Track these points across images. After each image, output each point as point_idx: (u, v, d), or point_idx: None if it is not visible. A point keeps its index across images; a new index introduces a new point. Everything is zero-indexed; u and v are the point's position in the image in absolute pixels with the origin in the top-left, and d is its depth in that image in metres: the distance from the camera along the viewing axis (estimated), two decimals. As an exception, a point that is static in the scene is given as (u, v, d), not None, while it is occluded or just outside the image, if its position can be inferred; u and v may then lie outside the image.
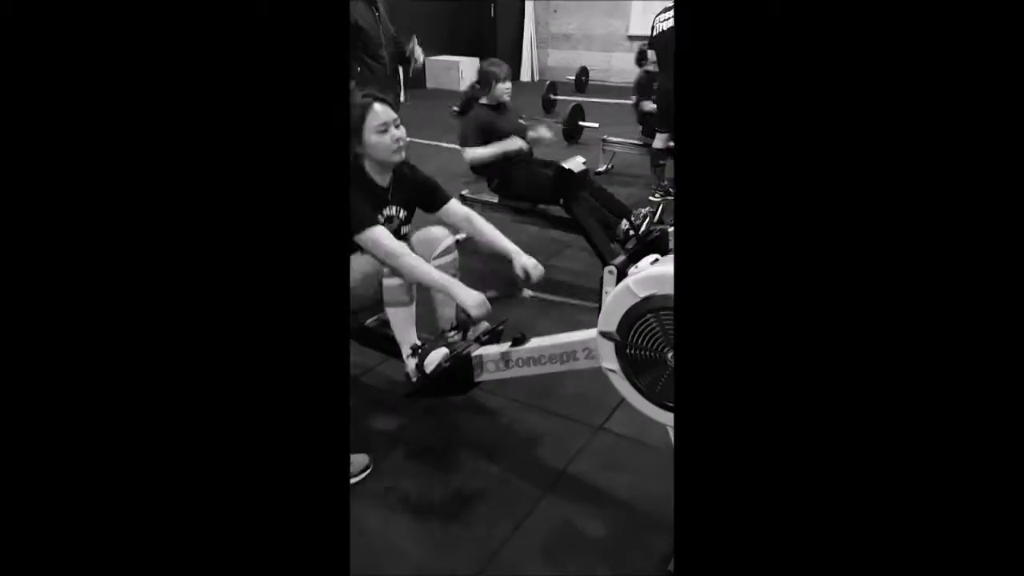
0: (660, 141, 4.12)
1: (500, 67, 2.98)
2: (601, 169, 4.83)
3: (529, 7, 9.68)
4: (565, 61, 9.33)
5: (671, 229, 2.78)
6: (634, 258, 1.62)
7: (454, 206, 1.92)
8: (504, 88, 2.99)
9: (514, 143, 2.96)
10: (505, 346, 1.68)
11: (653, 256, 1.40)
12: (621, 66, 8.76)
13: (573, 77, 8.23)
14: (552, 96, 6.79)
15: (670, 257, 1.37)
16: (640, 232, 2.55)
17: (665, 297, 1.26)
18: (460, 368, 1.68)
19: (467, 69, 8.72)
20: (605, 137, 4.92)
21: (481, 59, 8.97)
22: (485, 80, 3.01)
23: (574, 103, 5.70)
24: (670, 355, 1.29)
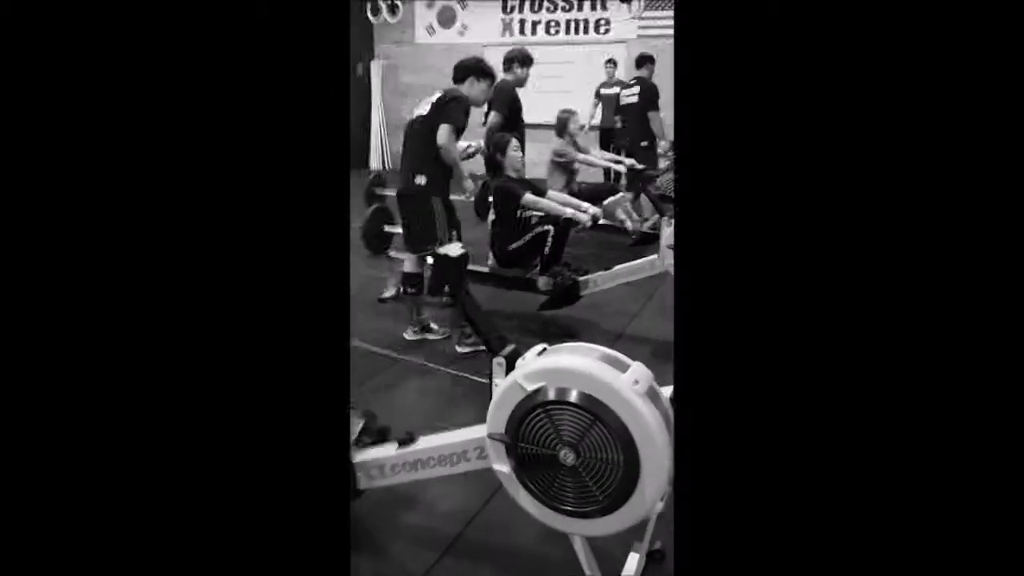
0: (410, 264, 3.25)
1: None
2: (386, 295, 3.91)
3: (376, 92, 10.00)
4: (418, 148, 9.60)
5: (582, 278, 3.41)
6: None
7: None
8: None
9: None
10: (391, 448, 1.67)
11: (540, 346, 1.45)
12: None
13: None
14: (377, 190, 5.69)
15: (559, 347, 1.43)
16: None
17: (556, 391, 1.31)
18: None
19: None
20: (391, 252, 4.07)
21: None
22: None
23: (376, 206, 4.79)
24: (563, 453, 1.32)
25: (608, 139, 6.90)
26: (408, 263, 3.27)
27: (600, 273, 3.49)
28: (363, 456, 1.72)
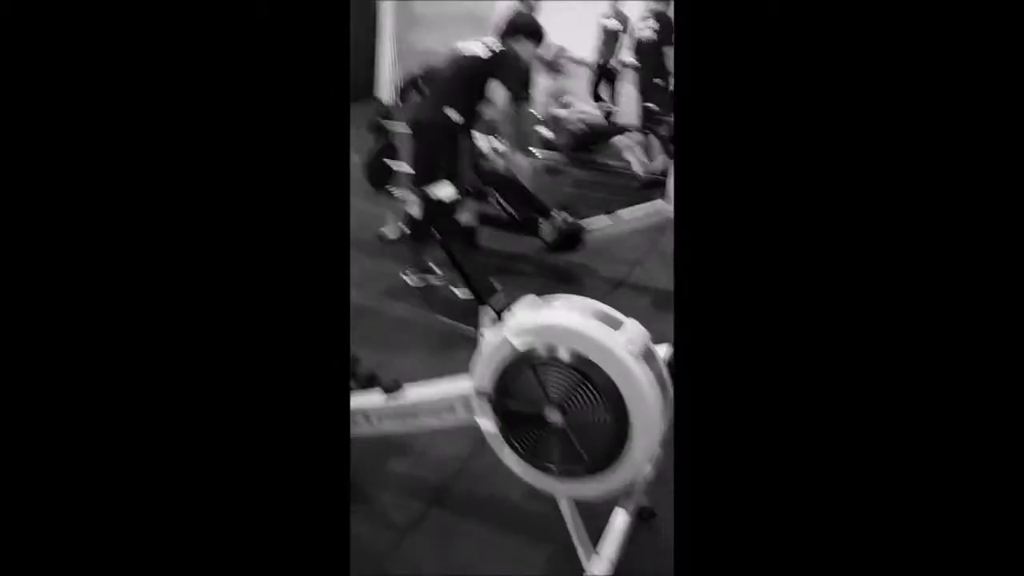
0: (416, 207, 3.10)
1: None
2: (387, 234, 3.82)
3: (388, 20, 9.65)
4: (427, 80, 9.36)
5: (585, 222, 3.29)
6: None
7: None
8: None
9: None
10: (376, 395, 1.60)
11: (529, 297, 1.38)
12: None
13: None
14: (384, 123, 5.41)
15: (551, 299, 1.36)
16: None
17: (544, 348, 1.24)
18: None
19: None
20: (392, 189, 3.76)
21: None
22: None
23: (384, 142, 4.50)
24: (549, 412, 1.26)
25: (602, 76, 6.59)
26: (415, 207, 3.13)
27: (603, 218, 3.38)
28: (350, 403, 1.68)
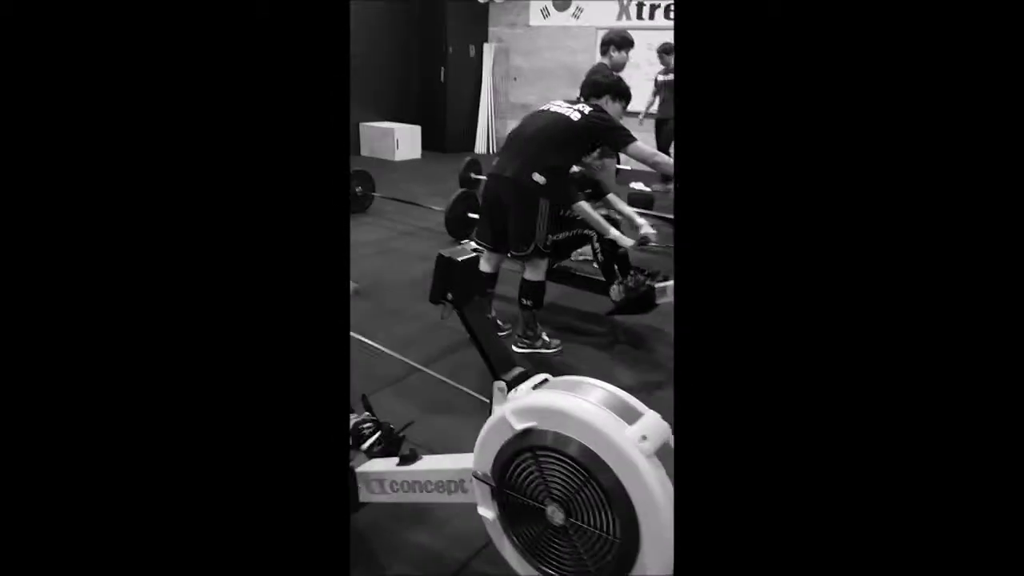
0: (485, 263, 3.07)
1: None
2: None
3: (487, 77, 9.91)
4: (524, 133, 9.47)
5: (659, 285, 3.10)
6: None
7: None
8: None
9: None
10: (391, 463, 1.51)
11: (541, 376, 1.23)
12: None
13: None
14: (473, 175, 5.53)
15: (561, 380, 1.21)
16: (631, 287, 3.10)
17: (546, 435, 1.09)
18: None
19: (403, 137, 8.64)
20: (474, 241, 3.76)
21: (424, 127, 9.20)
22: None
23: (462, 191, 4.73)
24: (550, 509, 1.10)
25: (661, 130, 6.40)
26: (484, 262, 3.05)
27: None
28: (366, 467, 1.58)
